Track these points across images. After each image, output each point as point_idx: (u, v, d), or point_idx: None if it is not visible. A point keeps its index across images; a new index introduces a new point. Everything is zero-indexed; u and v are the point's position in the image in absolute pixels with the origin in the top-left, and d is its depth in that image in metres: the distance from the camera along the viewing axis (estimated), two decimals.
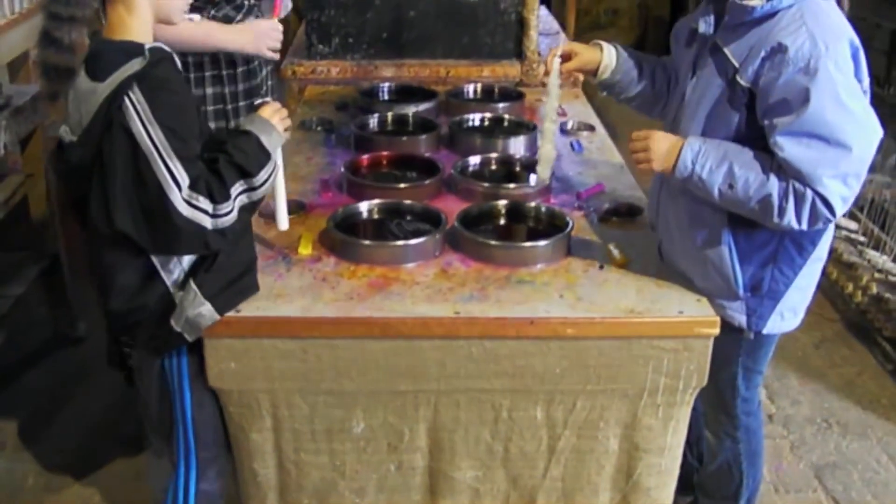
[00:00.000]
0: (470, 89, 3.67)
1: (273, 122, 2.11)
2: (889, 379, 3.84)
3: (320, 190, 2.76)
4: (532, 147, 3.05)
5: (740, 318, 2.25)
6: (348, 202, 2.60)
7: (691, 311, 2.16)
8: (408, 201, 2.59)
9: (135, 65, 1.90)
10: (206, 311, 2.05)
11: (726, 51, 2.10)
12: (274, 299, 2.17)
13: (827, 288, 4.50)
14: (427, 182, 2.74)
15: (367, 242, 2.39)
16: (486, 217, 2.57)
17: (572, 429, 2.25)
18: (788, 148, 1.96)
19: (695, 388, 2.21)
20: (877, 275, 4.11)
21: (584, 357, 2.14)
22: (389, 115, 3.32)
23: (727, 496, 2.65)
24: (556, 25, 4.86)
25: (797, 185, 1.97)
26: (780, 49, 1.97)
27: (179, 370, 2.19)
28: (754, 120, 2.06)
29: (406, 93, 3.66)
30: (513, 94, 3.62)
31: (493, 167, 2.91)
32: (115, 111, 1.89)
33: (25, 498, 3.07)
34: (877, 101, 2.13)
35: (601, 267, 2.34)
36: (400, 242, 2.37)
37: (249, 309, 2.13)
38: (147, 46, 1.95)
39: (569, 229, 2.41)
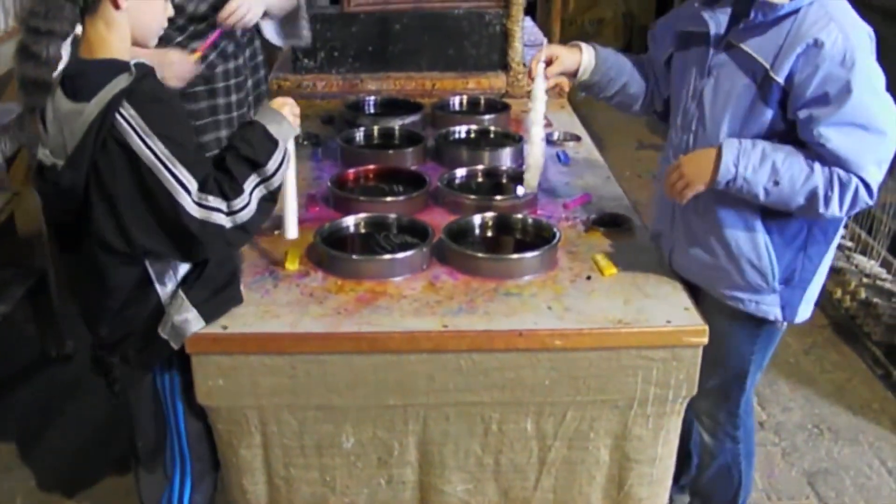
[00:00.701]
0: (455, 101, 3.66)
1: (283, 111, 2.10)
2: (879, 383, 3.84)
3: (307, 204, 2.75)
4: (518, 158, 3.05)
5: (776, 311, 2.29)
6: (335, 216, 2.59)
7: (679, 320, 2.16)
8: (394, 215, 2.59)
9: (121, 81, 1.88)
10: (193, 317, 2.05)
11: (747, 49, 2.12)
12: (261, 315, 2.16)
13: None
14: (413, 195, 2.73)
15: (354, 257, 2.38)
16: (473, 229, 2.56)
17: (563, 440, 2.25)
18: (834, 138, 2.01)
19: (685, 397, 2.21)
20: (865, 280, 4.11)
21: (573, 368, 2.14)
22: (375, 128, 3.31)
23: (727, 500, 2.66)
24: (541, 36, 4.86)
25: (841, 173, 2.03)
26: (815, 45, 2.02)
27: (172, 385, 2.19)
28: (785, 115, 2.10)
29: (392, 106, 3.66)
30: (498, 106, 3.62)
31: (480, 179, 2.91)
32: (107, 130, 1.87)
33: None
34: None
35: (588, 277, 2.34)
36: (387, 256, 2.37)
37: (237, 325, 2.12)
38: (133, 62, 1.94)
39: (556, 240, 2.41)
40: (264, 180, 2.02)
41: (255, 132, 2.05)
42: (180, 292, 2.06)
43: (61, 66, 2.00)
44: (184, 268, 2.09)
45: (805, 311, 2.34)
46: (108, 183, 1.91)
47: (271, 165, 2.03)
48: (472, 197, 2.73)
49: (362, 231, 2.56)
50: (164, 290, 2.07)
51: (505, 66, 4.00)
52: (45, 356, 3.88)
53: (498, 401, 2.18)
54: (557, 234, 2.44)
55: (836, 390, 3.80)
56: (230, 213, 1.96)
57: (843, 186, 2.03)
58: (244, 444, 2.23)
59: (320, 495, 2.30)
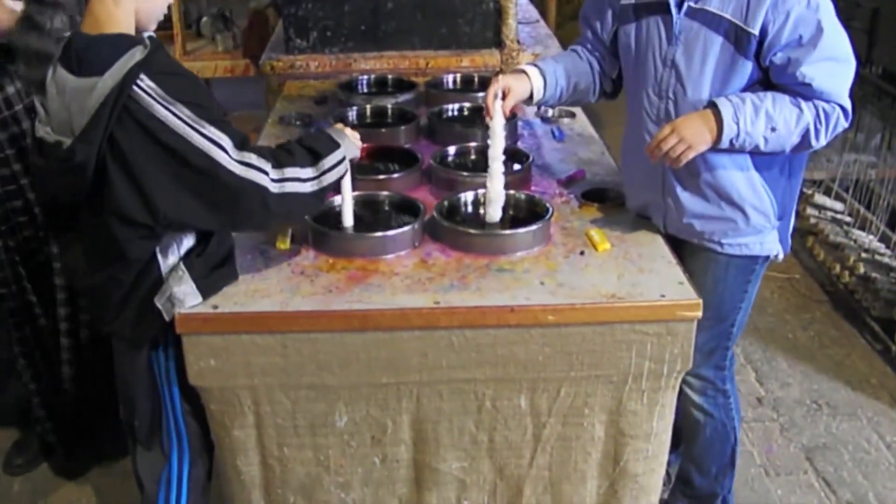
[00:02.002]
0: (449, 79, 3.64)
1: (346, 131, 2.23)
2: (878, 359, 3.83)
3: None
4: (513, 136, 3.04)
5: (777, 247, 2.41)
6: (328, 195, 2.56)
7: (673, 294, 2.14)
8: (386, 192, 2.57)
9: (135, 54, 1.87)
10: (191, 290, 2.06)
11: (711, 9, 2.19)
12: (252, 294, 2.15)
13: (814, 269, 4.51)
14: (406, 173, 2.71)
15: (345, 235, 2.37)
16: (465, 206, 2.54)
17: (557, 416, 2.23)
18: (817, 75, 2.12)
19: (679, 371, 2.20)
20: (863, 255, 4.10)
21: (567, 344, 2.13)
22: (368, 107, 3.29)
23: (724, 462, 2.68)
24: (535, 14, 4.85)
25: (825, 105, 2.15)
26: None
27: (167, 365, 2.19)
28: (758, 64, 2.20)
29: (385, 85, 3.64)
30: None
31: (473, 156, 2.88)
32: (125, 103, 1.86)
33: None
34: (859, 81, 2.29)
35: (582, 253, 2.32)
36: (378, 234, 2.35)
37: (228, 305, 2.11)
38: (146, 35, 1.95)
39: (549, 216, 2.39)
40: (319, 174, 2.09)
41: (321, 135, 2.18)
42: (181, 266, 2.06)
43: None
44: (187, 242, 2.08)
45: (788, 242, 2.46)
46: (129, 155, 1.89)
47: (329, 161, 2.11)
48: (465, 174, 2.71)
49: (353, 209, 2.53)
50: (166, 262, 2.06)
51: (499, 44, 3.98)
52: None
53: (491, 377, 2.16)
54: (550, 210, 2.42)
55: (834, 366, 3.79)
56: (275, 179, 1.99)
57: (828, 117, 2.16)
58: (237, 425, 2.22)
59: (314, 475, 2.29)
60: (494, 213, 2.44)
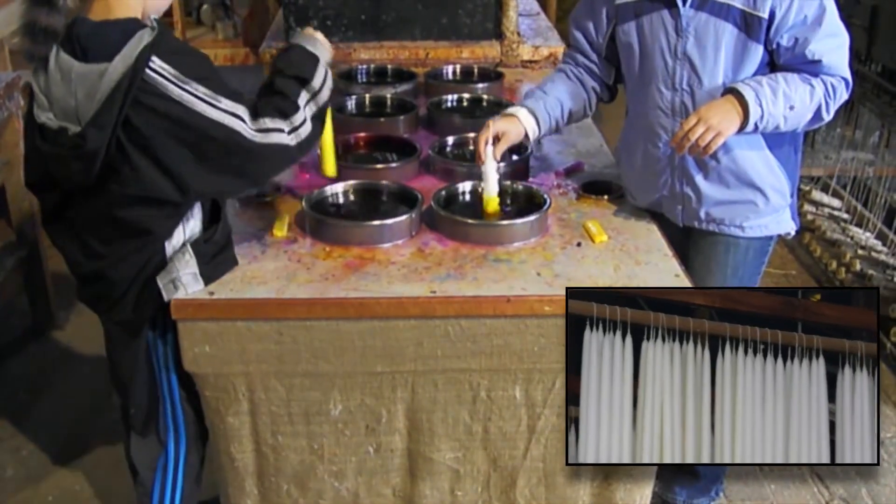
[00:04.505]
0: (449, 70, 3.64)
1: (316, 35, 2.21)
2: None
3: (297, 171, 2.73)
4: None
5: (791, 224, 2.48)
6: (325, 184, 2.56)
7: (669, 285, 2.14)
8: (384, 181, 2.56)
9: (144, 37, 1.88)
10: (195, 275, 2.08)
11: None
12: (248, 281, 2.14)
13: (811, 265, 4.50)
14: (404, 163, 2.71)
15: (342, 223, 2.36)
16: (463, 196, 2.54)
17: (552, 408, 2.23)
18: (825, 52, 2.21)
19: None
20: (860, 252, 4.11)
21: (563, 335, 2.12)
22: (367, 96, 3.29)
23: None
24: (536, 6, 4.83)
25: (832, 79, 2.23)
26: None
27: (166, 351, 2.18)
28: (765, 47, 2.26)
29: (385, 75, 3.63)
30: (492, 75, 3.60)
31: (471, 147, 2.87)
32: (139, 85, 1.86)
33: (5, 488, 3.05)
34: (859, 78, 2.33)
35: (579, 244, 2.32)
36: (376, 222, 2.34)
37: (223, 291, 2.10)
38: (153, 17, 1.96)
39: (546, 207, 2.39)
40: (313, 96, 2.11)
41: (295, 53, 2.15)
42: (189, 249, 2.07)
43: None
44: (193, 224, 2.10)
45: (798, 217, 2.52)
46: (149, 139, 1.90)
47: (317, 80, 2.12)
48: (463, 164, 2.70)
49: (351, 198, 2.54)
50: (171, 244, 2.07)
51: (499, 35, 3.97)
52: (35, 327, 3.87)
53: (486, 367, 2.16)
54: (548, 201, 2.42)
55: None
56: (292, 131, 2.04)
57: (836, 90, 2.24)
58: (231, 412, 2.22)
59: (308, 463, 2.29)
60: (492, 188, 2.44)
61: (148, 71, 1.87)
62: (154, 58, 1.87)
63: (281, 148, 2.02)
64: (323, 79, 2.13)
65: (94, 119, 1.87)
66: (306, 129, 2.07)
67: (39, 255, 3.74)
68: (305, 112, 2.07)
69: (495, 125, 2.47)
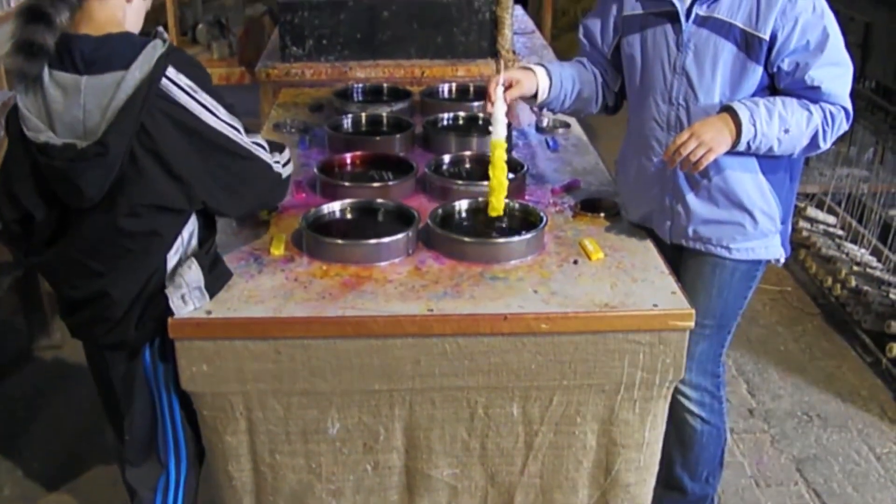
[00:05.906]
0: (444, 89, 3.64)
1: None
2: (868, 371, 3.84)
3: (294, 191, 2.73)
4: (507, 146, 3.04)
5: (780, 250, 2.45)
6: (322, 203, 2.57)
7: (666, 304, 2.15)
8: (380, 200, 2.57)
9: (158, 46, 1.93)
10: (201, 291, 2.10)
11: (720, 16, 2.26)
12: (246, 300, 2.15)
13: (806, 282, 4.52)
14: (400, 181, 2.72)
15: (339, 241, 2.36)
16: (460, 214, 2.55)
17: (549, 425, 2.24)
18: (825, 79, 2.20)
19: (671, 381, 2.20)
20: (855, 268, 4.11)
21: (560, 352, 2.13)
22: (363, 115, 3.30)
23: (715, 464, 2.71)
24: (531, 25, 4.87)
25: (831, 107, 2.23)
26: (790, 0, 2.20)
27: (166, 371, 2.18)
28: (765, 69, 2.26)
29: (380, 93, 3.65)
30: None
31: (467, 165, 2.89)
32: (155, 93, 1.90)
33: None
34: (852, 95, 2.29)
35: (575, 262, 2.33)
36: (372, 241, 2.34)
37: (220, 310, 2.11)
38: (159, 30, 2.02)
39: (542, 225, 2.40)
40: (286, 162, 2.28)
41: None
42: (194, 260, 2.09)
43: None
44: (191, 234, 2.11)
45: (789, 245, 2.50)
46: (161, 145, 1.94)
47: (285, 154, 2.30)
48: (459, 182, 2.71)
49: (348, 216, 2.54)
50: (172, 256, 2.08)
51: (494, 54, 3.99)
52: (32, 346, 3.86)
53: (484, 385, 2.16)
54: (544, 219, 2.43)
55: (825, 378, 3.80)
56: (285, 165, 2.25)
57: (834, 118, 2.23)
58: (229, 431, 2.22)
59: (306, 482, 2.29)
60: (499, 204, 2.44)
61: (164, 79, 1.92)
62: (171, 67, 1.93)
63: (268, 165, 2.15)
64: (287, 158, 2.30)
65: (113, 126, 1.88)
66: (288, 169, 2.27)
67: (36, 275, 3.73)
68: (286, 157, 2.28)
69: (509, 73, 2.48)
